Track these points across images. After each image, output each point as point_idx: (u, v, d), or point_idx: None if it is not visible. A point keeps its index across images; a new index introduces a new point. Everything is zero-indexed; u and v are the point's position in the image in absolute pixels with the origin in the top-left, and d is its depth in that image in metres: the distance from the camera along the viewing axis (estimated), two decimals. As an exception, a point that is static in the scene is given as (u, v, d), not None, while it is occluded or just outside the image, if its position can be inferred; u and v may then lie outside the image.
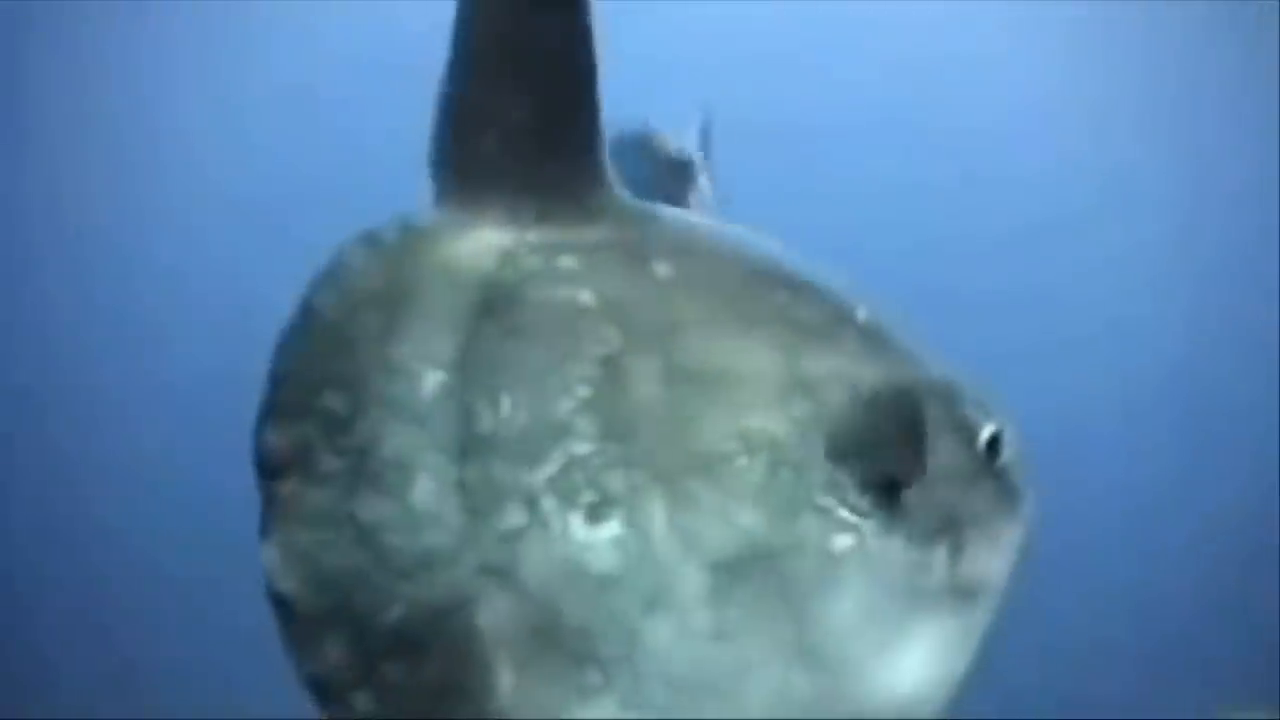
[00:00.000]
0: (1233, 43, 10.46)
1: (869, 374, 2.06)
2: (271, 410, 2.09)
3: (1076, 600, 9.00)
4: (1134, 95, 11.17)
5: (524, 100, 2.11)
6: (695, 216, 2.23)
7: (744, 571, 1.97)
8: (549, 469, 1.98)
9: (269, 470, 2.07)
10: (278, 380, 2.10)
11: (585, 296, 2.05)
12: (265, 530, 2.07)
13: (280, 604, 2.05)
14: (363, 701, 2.00)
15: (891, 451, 2.04)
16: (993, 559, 2.11)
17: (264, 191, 10.63)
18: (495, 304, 2.06)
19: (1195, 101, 10.97)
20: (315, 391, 2.07)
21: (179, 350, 10.42)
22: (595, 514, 1.97)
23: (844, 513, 2.00)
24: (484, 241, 2.11)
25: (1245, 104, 10.62)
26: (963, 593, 2.07)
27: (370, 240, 2.14)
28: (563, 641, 1.97)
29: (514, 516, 1.98)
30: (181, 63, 11.18)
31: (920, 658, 2.04)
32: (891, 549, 2.02)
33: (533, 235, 2.11)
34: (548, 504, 1.98)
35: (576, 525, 1.97)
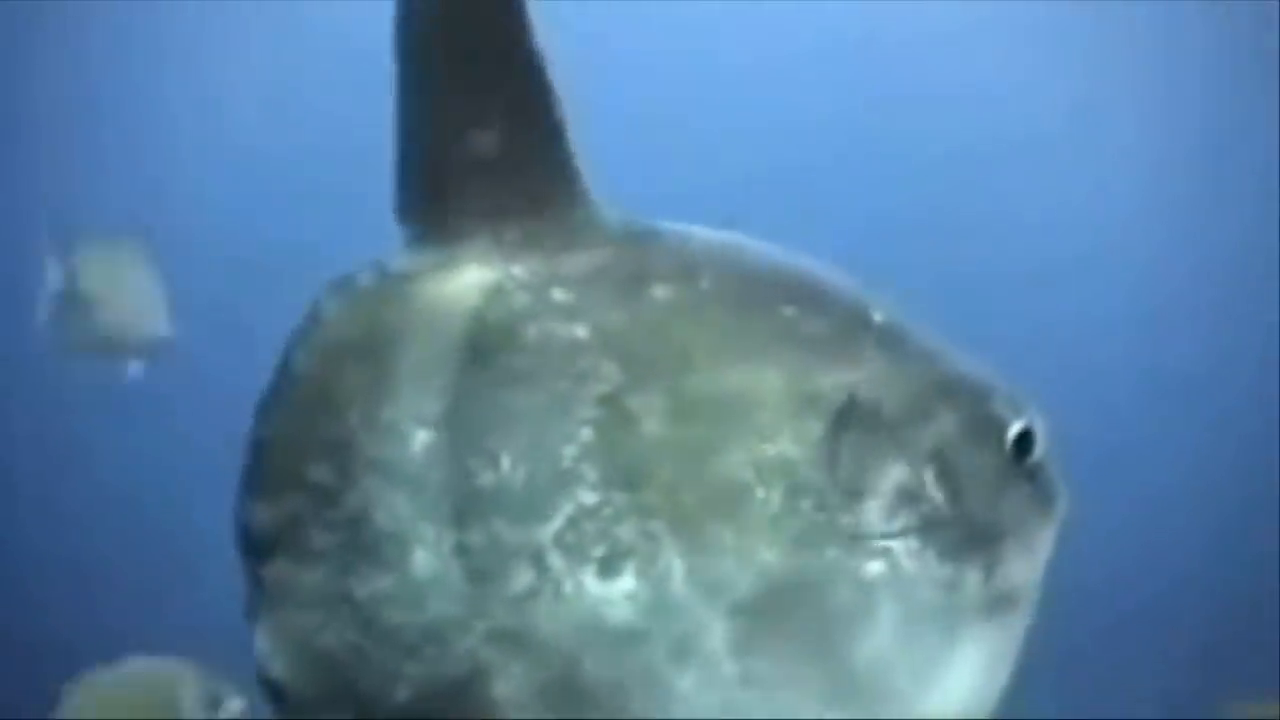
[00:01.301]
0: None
1: (888, 384, 1.93)
2: (254, 484, 1.96)
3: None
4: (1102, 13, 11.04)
5: (484, 119, 1.97)
6: (691, 228, 2.07)
7: (771, 611, 1.85)
8: (556, 523, 1.85)
9: (254, 549, 1.94)
10: (259, 449, 1.97)
11: (581, 331, 1.90)
12: (253, 614, 1.93)
13: (275, 692, 1.92)
14: None
15: (919, 464, 1.91)
16: (1028, 564, 2.00)
17: (251, 190, 10.49)
18: (485, 349, 1.91)
19: (1169, 27, 10.88)
20: (299, 461, 1.92)
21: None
22: (608, 567, 1.84)
23: (872, 536, 1.88)
24: (467, 280, 1.96)
25: (1223, 31, 10.54)
26: (999, 603, 1.96)
27: (344, 288, 2.00)
28: (584, 706, 1.84)
29: (522, 578, 1.84)
30: (169, 58, 11.00)
31: (959, 676, 1.93)
32: (924, 569, 1.89)
33: (519, 268, 1.96)
34: (556, 561, 1.84)
35: (589, 581, 1.84)
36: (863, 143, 10.99)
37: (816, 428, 1.88)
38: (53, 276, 7.09)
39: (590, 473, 1.85)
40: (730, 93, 10.78)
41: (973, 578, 1.92)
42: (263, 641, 1.91)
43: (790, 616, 1.85)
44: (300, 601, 1.90)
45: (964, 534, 1.92)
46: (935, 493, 1.91)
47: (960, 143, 11.13)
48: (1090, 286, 10.95)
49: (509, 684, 1.84)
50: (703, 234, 2.06)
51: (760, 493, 1.85)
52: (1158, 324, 10.82)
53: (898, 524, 1.88)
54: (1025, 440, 1.99)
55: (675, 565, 1.83)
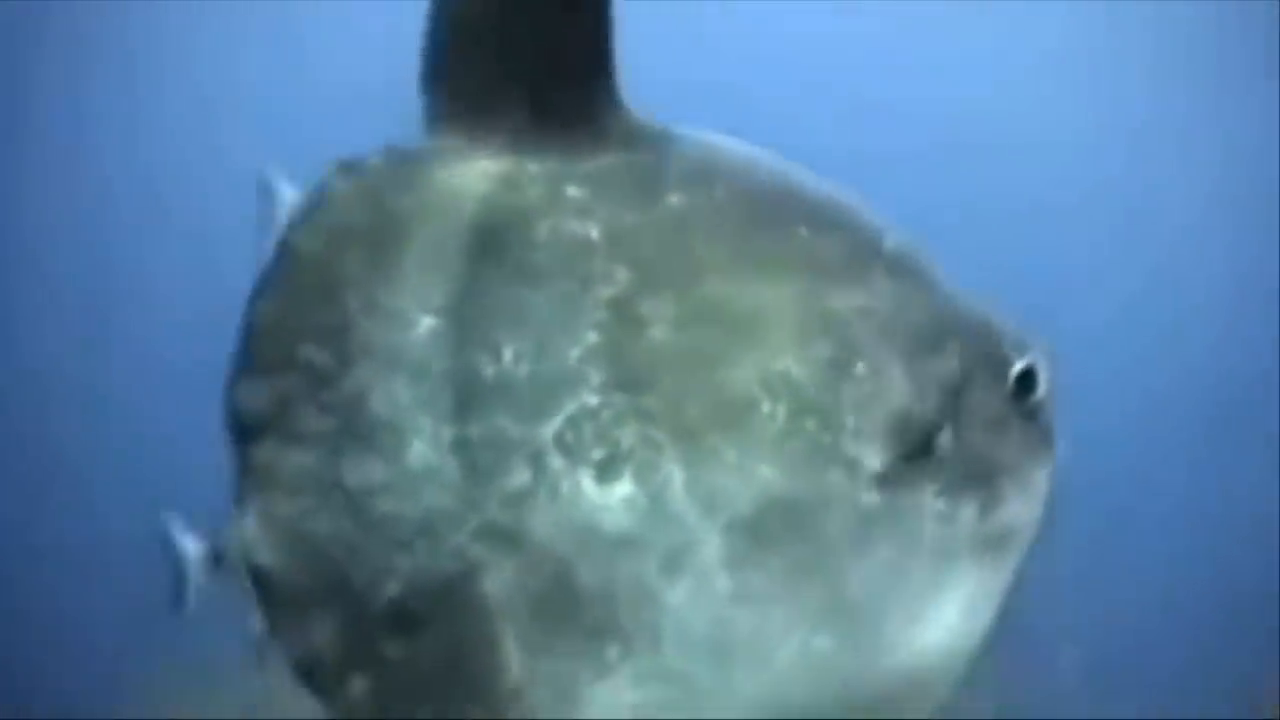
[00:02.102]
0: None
1: (897, 310, 1.91)
2: (246, 363, 1.89)
3: (1096, 589, 8.89)
4: (1149, 48, 10.97)
5: (526, 9, 1.92)
6: (712, 136, 2.03)
7: (767, 529, 1.83)
8: (556, 423, 1.82)
9: (244, 431, 1.88)
10: (253, 330, 1.90)
11: (594, 231, 1.87)
12: (240, 499, 1.88)
13: (261, 580, 1.87)
14: (357, 685, 1.84)
15: (923, 394, 1.90)
16: (1023, 506, 1.98)
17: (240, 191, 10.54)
18: (495, 241, 1.87)
19: (1215, 56, 10.80)
20: (296, 342, 1.87)
21: (150, 349, 10.38)
22: (607, 471, 1.82)
23: (873, 463, 1.86)
24: (482, 170, 1.92)
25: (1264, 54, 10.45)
26: (992, 543, 1.95)
27: (353, 170, 1.94)
28: (574, 611, 1.82)
29: (518, 476, 1.82)
30: (162, 60, 11.11)
31: (947, 613, 1.92)
32: (921, 500, 1.88)
33: (535, 163, 1.92)
34: (555, 461, 1.82)
35: (587, 484, 1.81)
36: (924, 187, 11.00)
37: (825, 349, 1.86)
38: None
39: (594, 374, 1.82)
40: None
41: (968, 513, 1.91)
42: (249, 527, 1.87)
43: (786, 537, 1.83)
44: (290, 485, 1.86)
45: (963, 468, 1.91)
46: (937, 425, 1.90)
47: (1017, 189, 11.12)
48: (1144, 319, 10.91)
49: (498, 584, 1.81)
50: (723, 143, 2.02)
51: (765, 409, 1.84)
52: (1216, 352, 10.77)
53: (898, 453, 1.87)
54: (1028, 379, 1.98)
55: (675, 474, 1.81)
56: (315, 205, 1.93)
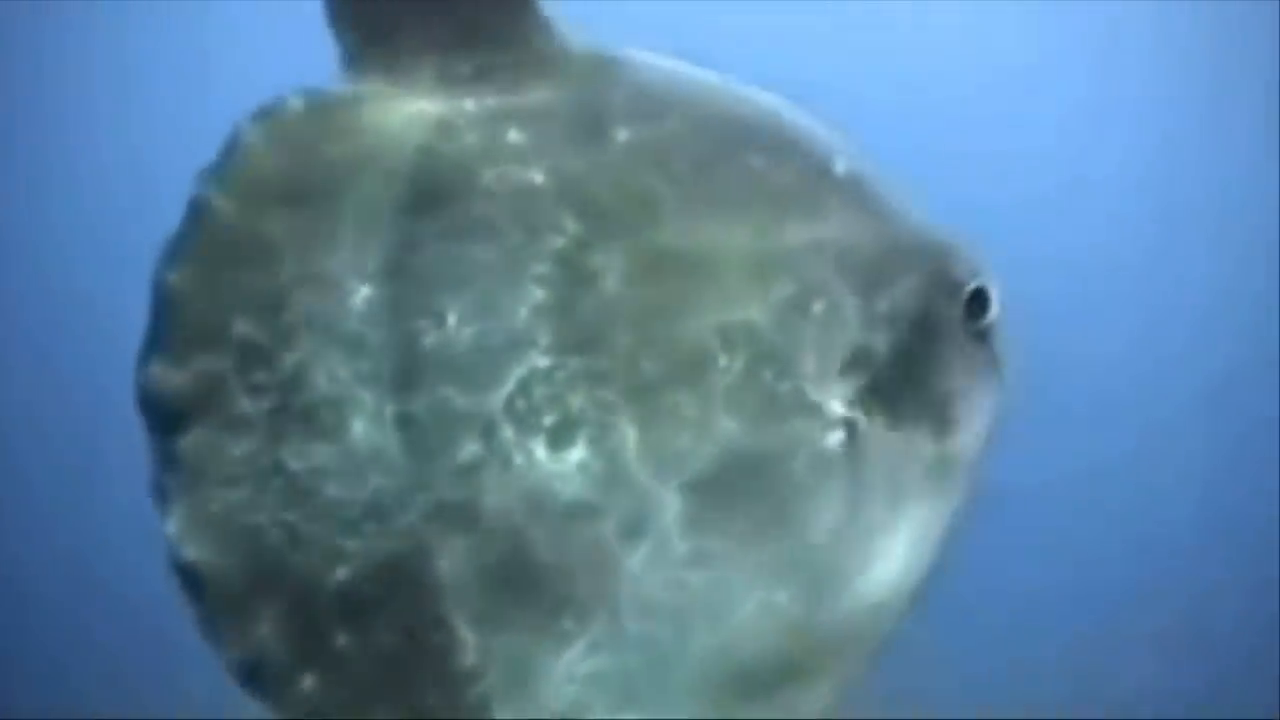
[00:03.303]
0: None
1: (852, 240, 1.82)
2: (163, 342, 1.72)
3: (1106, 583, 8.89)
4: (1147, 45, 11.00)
5: None
6: (656, 59, 1.89)
7: (727, 486, 1.75)
8: (505, 390, 1.71)
9: (167, 420, 1.72)
10: (168, 302, 1.72)
11: (537, 177, 1.74)
12: (163, 495, 1.72)
13: (192, 579, 1.73)
14: (307, 682, 1.73)
15: (878, 325, 1.82)
16: (973, 432, 1.91)
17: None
18: (433, 195, 1.73)
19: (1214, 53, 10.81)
20: (219, 315, 1.71)
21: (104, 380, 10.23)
22: (559, 437, 1.72)
23: (833, 405, 1.78)
24: (413, 113, 1.76)
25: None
26: (943, 471, 1.88)
27: (270, 118, 1.75)
28: (530, 585, 1.73)
29: (467, 449, 1.71)
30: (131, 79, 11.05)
31: (898, 547, 1.86)
32: (879, 438, 1.82)
33: (471, 102, 1.77)
34: (505, 431, 1.71)
35: (539, 452, 1.71)
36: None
37: (783, 291, 1.78)
38: None
39: (543, 335, 1.72)
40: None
41: (922, 443, 1.85)
42: (177, 524, 1.72)
43: (746, 492, 1.76)
44: (222, 476, 1.72)
45: (917, 398, 1.85)
46: (893, 356, 1.83)
47: (1013, 185, 11.12)
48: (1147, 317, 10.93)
49: (450, 563, 1.72)
50: (668, 67, 1.89)
51: (722, 361, 1.75)
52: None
53: (857, 390, 1.80)
54: (980, 300, 1.91)
55: (630, 436, 1.73)
56: (228, 158, 1.75)
